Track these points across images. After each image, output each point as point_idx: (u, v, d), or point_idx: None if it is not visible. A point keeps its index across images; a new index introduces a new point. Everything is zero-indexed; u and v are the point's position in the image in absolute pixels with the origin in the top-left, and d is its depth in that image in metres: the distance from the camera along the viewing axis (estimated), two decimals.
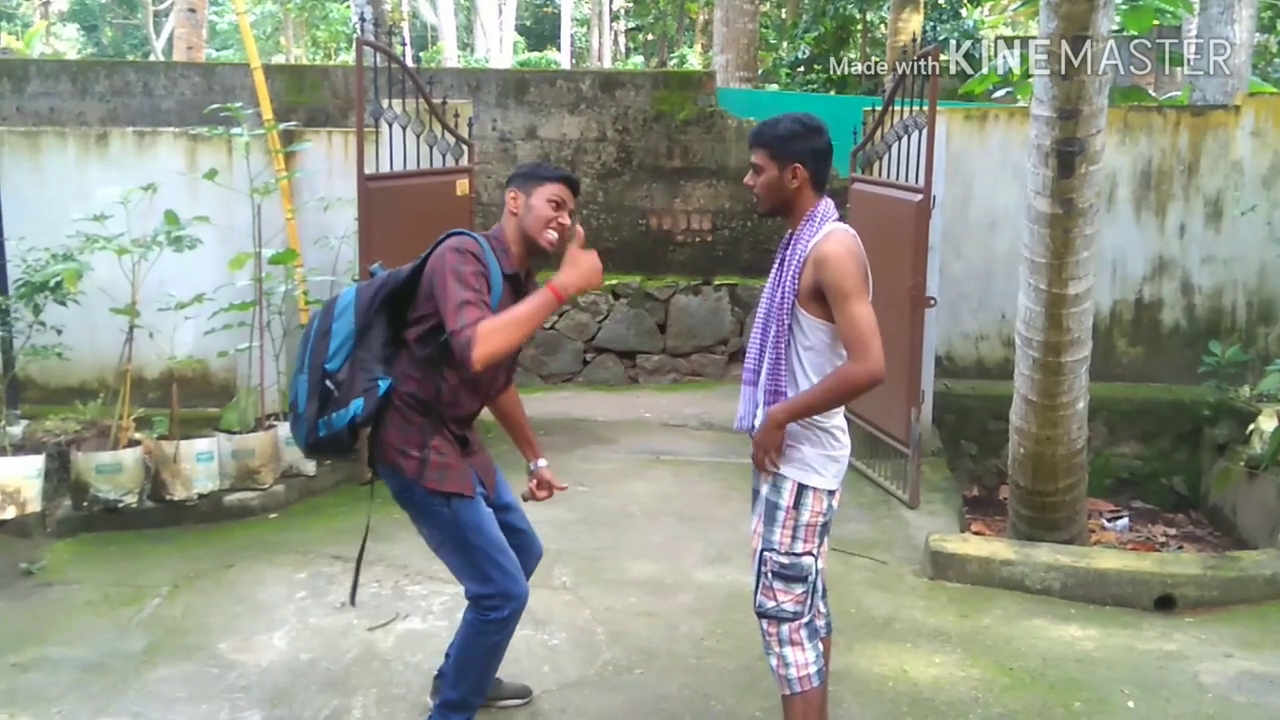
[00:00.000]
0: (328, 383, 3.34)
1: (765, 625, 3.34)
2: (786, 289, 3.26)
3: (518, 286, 3.46)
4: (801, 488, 3.27)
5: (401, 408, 3.39)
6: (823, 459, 3.29)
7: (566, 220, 3.48)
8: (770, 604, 3.31)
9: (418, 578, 5.02)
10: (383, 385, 3.34)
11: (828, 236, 3.23)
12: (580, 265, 3.29)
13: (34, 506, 5.49)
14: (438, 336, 3.31)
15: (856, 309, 3.15)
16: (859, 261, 3.21)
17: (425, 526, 3.48)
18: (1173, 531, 6.83)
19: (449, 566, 3.51)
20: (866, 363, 3.13)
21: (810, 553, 3.30)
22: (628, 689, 4.12)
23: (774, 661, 3.33)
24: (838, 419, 3.34)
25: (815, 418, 3.27)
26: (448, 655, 3.78)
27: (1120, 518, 6.94)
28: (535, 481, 3.85)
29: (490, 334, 3.12)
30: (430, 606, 4.74)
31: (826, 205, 3.32)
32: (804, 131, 3.30)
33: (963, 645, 4.51)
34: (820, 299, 3.20)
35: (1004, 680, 4.23)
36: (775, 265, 3.37)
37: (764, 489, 3.33)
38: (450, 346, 3.18)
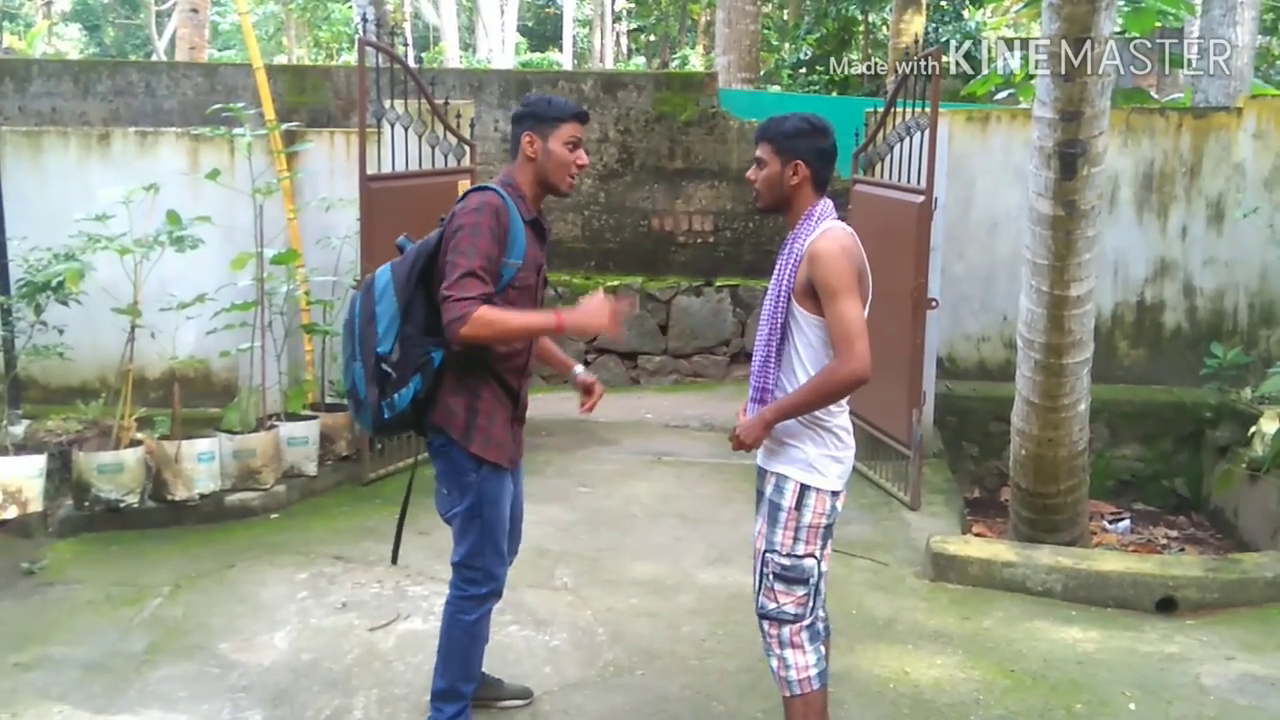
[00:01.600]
0: (383, 366, 3.36)
1: (766, 627, 3.34)
2: (783, 286, 3.28)
3: (539, 230, 3.51)
4: (804, 488, 3.26)
5: (454, 368, 3.41)
6: (825, 459, 3.29)
7: (585, 159, 3.51)
8: (771, 605, 3.31)
9: (419, 578, 5.02)
10: (436, 358, 3.38)
11: (823, 234, 3.24)
12: (590, 309, 3.38)
13: (35, 506, 5.49)
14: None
15: (844, 307, 3.17)
16: (852, 260, 3.22)
17: (447, 486, 3.52)
18: (1174, 533, 6.83)
19: (453, 531, 3.57)
20: (851, 362, 3.16)
21: (812, 555, 3.29)
22: (629, 690, 4.12)
23: (774, 663, 3.33)
24: (841, 419, 3.34)
25: (818, 416, 3.27)
26: None
27: (1121, 519, 6.94)
28: (581, 388, 3.78)
29: (484, 323, 3.23)
30: (431, 607, 4.74)
31: (825, 205, 3.33)
32: (810, 130, 3.32)
33: (964, 647, 4.50)
34: (815, 295, 3.22)
35: (1005, 682, 4.22)
36: (776, 267, 3.38)
37: (767, 489, 3.33)
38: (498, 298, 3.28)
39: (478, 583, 3.53)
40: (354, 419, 3.55)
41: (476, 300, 3.23)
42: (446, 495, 3.54)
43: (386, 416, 3.39)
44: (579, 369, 3.83)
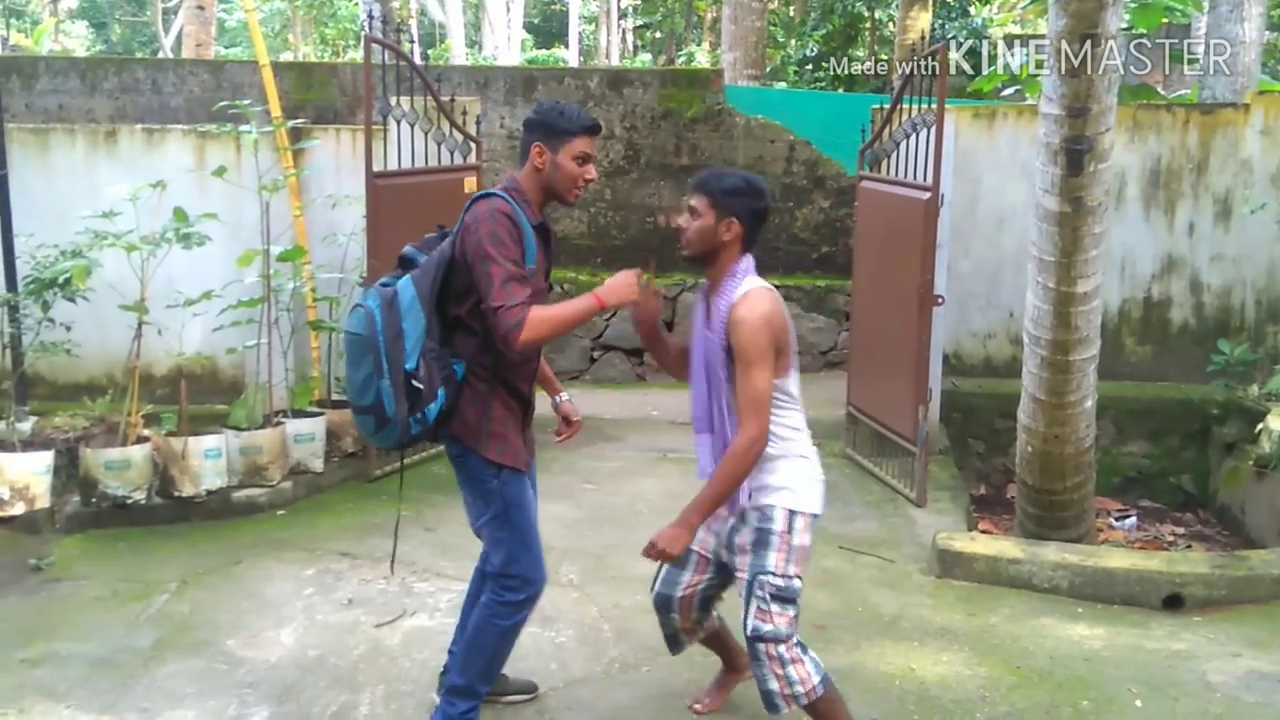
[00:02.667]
0: (413, 383, 3.31)
1: (763, 650, 3.39)
2: (715, 345, 3.39)
3: (546, 235, 3.51)
4: (792, 513, 3.40)
5: (469, 378, 3.41)
6: (807, 482, 3.43)
7: (593, 174, 3.51)
8: (768, 627, 3.38)
9: (425, 575, 5.03)
10: (459, 370, 3.37)
11: (744, 298, 3.34)
12: (619, 285, 3.38)
13: (43, 502, 5.51)
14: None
15: (753, 376, 3.27)
16: (772, 327, 3.31)
17: (471, 494, 3.53)
18: (1181, 530, 6.81)
19: (484, 538, 3.56)
20: (750, 430, 3.27)
21: (800, 576, 3.43)
22: (635, 686, 4.12)
23: (775, 685, 3.40)
24: (805, 437, 3.47)
25: (788, 442, 3.40)
26: (451, 652, 3.79)
27: (1128, 516, 6.92)
28: (561, 419, 3.90)
29: (539, 323, 3.23)
30: (437, 603, 4.75)
31: (748, 262, 3.44)
32: (748, 190, 3.43)
33: (970, 644, 4.51)
34: None
35: (1011, 679, 4.22)
36: (699, 312, 3.51)
37: (750, 521, 3.43)
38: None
39: (516, 590, 3.51)
40: (372, 437, 3.48)
41: (525, 304, 3.23)
42: (472, 504, 3.54)
43: (415, 432, 3.37)
44: (564, 396, 3.88)
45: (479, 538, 3.61)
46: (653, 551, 3.34)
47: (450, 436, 3.46)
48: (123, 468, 5.56)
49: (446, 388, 3.35)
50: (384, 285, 3.43)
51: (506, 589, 3.51)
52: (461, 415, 3.42)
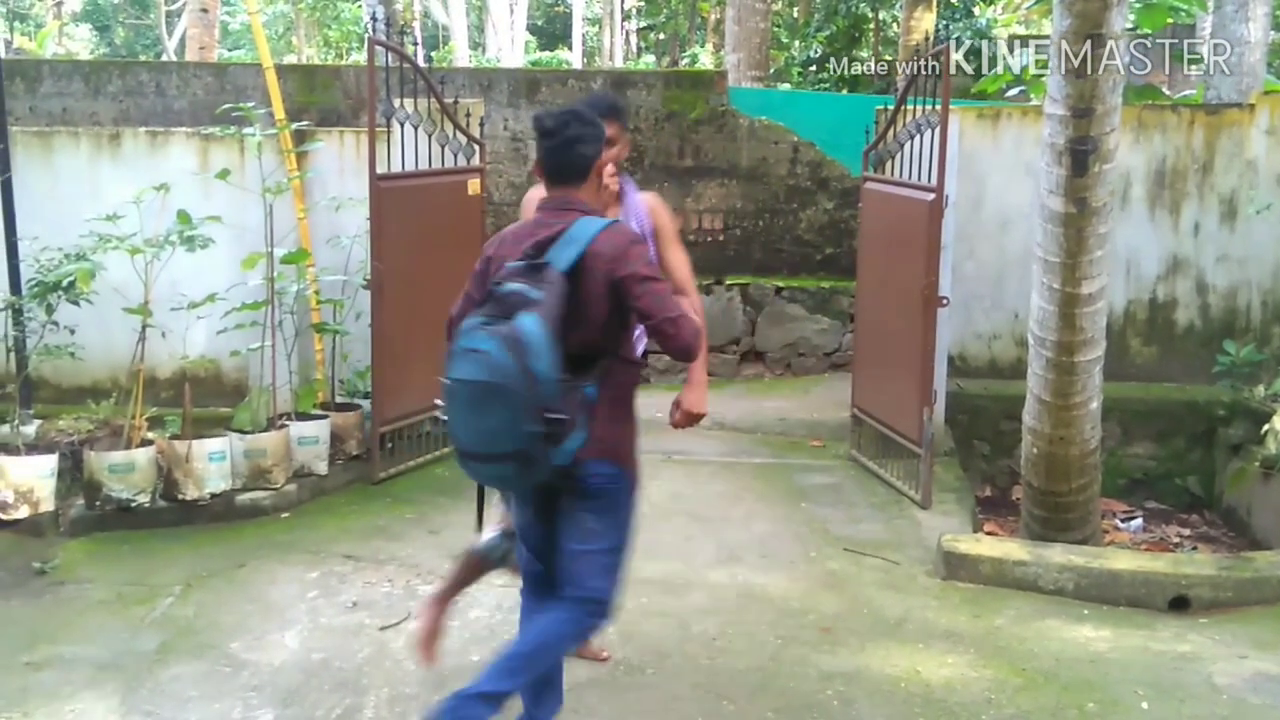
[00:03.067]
0: (551, 416, 3.09)
1: None
2: (646, 232, 3.98)
3: None
4: None
5: (605, 402, 3.29)
6: None
7: None
8: None
9: (429, 577, 5.01)
10: (591, 394, 3.24)
11: (639, 191, 4.09)
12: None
13: (47, 506, 5.51)
14: (618, 335, 3.35)
15: (681, 250, 4.05)
16: None
17: (601, 519, 3.34)
18: (1187, 532, 6.80)
19: (584, 565, 3.33)
20: (694, 297, 4.00)
21: None
22: (640, 689, 4.11)
23: None
24: None
25: None
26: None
27: (1134, 518, 6.91)
28: None
29: (700, 326, 3.38)
30: None
31: None
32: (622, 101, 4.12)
33: (975, 646, 4.49)
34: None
35: (1017, 681, 4.21)
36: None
37: None
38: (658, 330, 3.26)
39: (604, 615, 3.40)
40: (508, 483, 3.34)
41: (689, 315, 3.28)
42: (597, 532, 3.33)
43: (560, 463, 3.17)
44: None
45: (571, 563, 3.36)
46: (689, 420, 3.83)
47: (601, 461, 3.29)
48: (127, 471, 5.55)
49: (585, 413, 3.21)
50: (486, 323, 3.13)
51: (595, 615, 3.36)
52: (610, 438, 3.30)
